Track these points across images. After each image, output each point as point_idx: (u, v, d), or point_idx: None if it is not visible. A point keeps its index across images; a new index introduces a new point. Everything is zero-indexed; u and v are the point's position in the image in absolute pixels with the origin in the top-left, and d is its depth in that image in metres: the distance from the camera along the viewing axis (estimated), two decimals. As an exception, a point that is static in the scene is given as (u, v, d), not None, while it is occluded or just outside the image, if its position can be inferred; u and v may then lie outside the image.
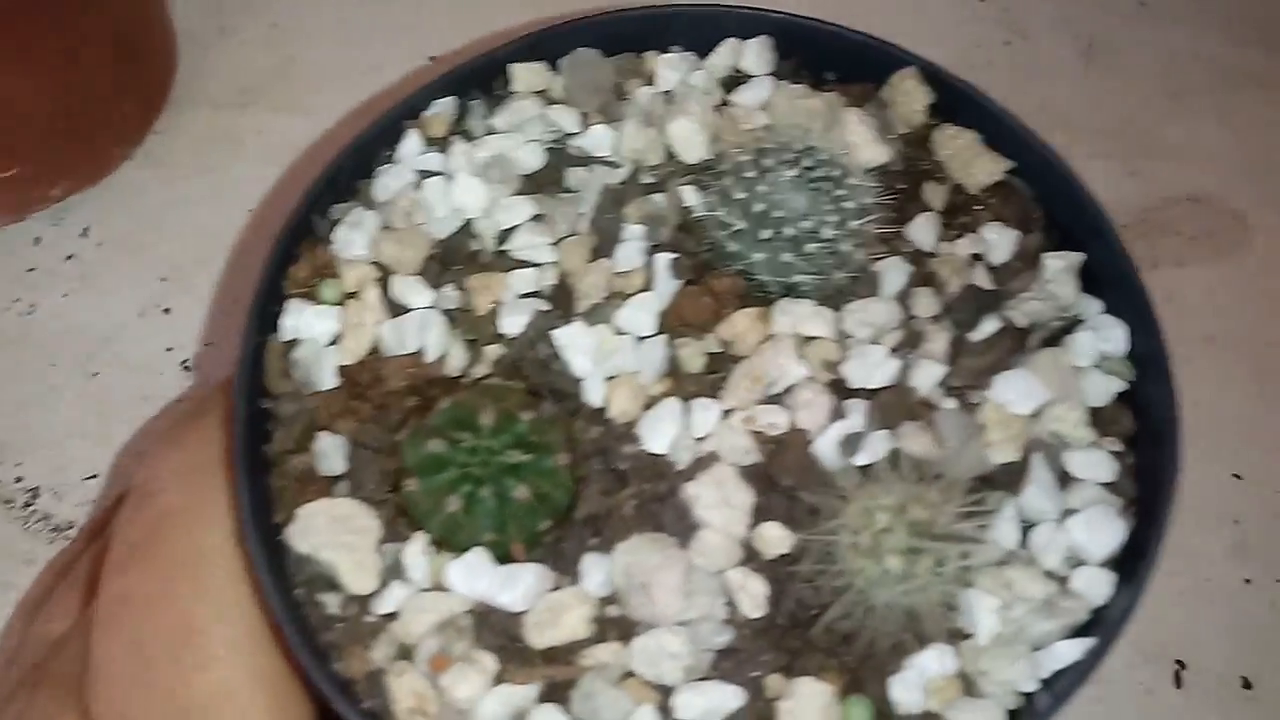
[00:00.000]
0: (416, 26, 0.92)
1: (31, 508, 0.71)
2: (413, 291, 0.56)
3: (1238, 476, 0.76)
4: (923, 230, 0.60)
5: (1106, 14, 1.00)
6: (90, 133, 0.79)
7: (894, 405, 0.53)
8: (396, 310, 0.56)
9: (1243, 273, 0.85)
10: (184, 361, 0.76)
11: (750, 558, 0.50)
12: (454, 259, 0.57)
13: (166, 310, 0.78)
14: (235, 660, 0.49)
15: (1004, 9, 1.00)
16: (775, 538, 0.50)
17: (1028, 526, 0.52)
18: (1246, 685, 0.70)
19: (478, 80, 0.63)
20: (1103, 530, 0.51)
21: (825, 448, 0.52)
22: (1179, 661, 0.70)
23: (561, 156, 0.61)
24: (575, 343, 0.54)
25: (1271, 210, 0.88)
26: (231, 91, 0.88)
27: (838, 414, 0.53)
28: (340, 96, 0.87)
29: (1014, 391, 0.54)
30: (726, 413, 0.53)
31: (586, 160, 0.61)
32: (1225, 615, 0.72)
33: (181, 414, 0.57)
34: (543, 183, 0.60)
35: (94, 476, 0.73)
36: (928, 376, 0.54)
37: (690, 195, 0.59)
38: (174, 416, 0.57)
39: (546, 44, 0.63)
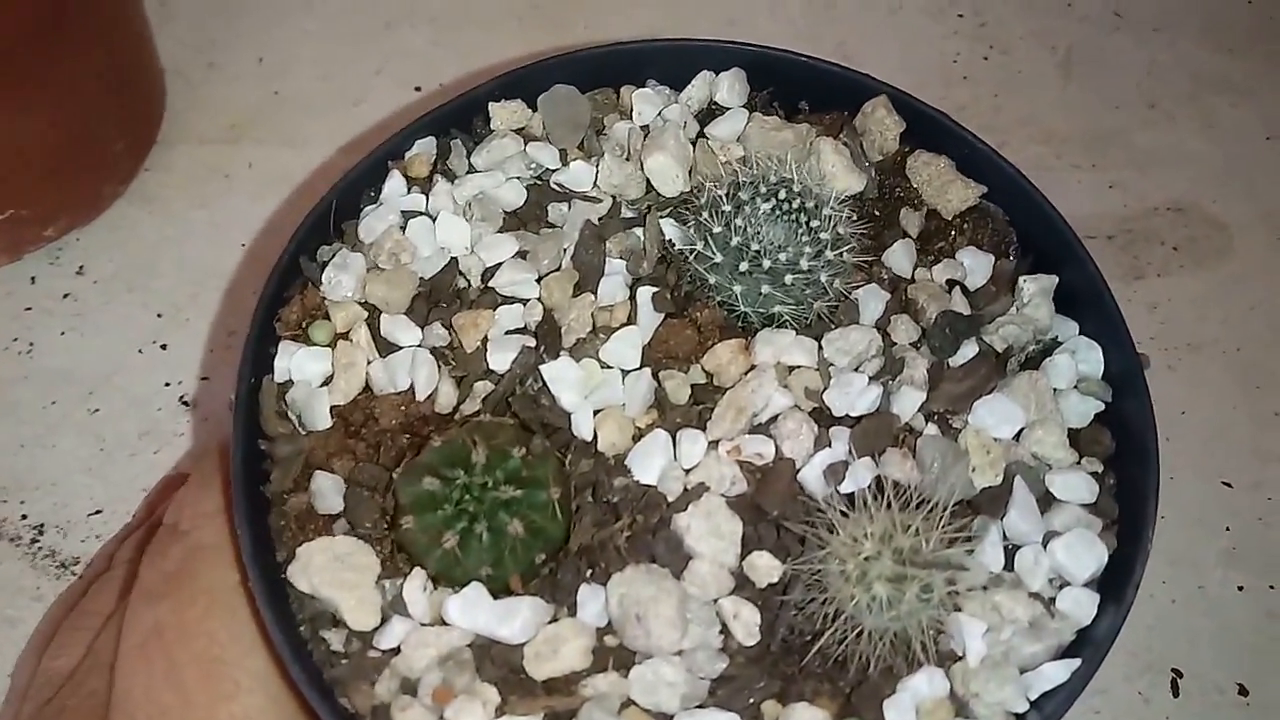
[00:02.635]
0: (401, 58, 0.94)
1: (38, 544, 0.72)
2: (402, 330, 0.57)
3: (1227, 484, 0.77)
4: (900, 257, 0.61)
5: (1083, 25, 1.01)
6: (83, 172, 0.80)
7: (877, 432, 0.55)
8: (387, 349, 0.57)
9: (1225, 280, 0.87)
10: (182, 397, 0.77)
11: (742, 586, 0.52)
12: (441, 296, 0.59)
13: (164, 346, 0.79)
14: (261, 691, 0.51)
15: (981, 24, 1.01)
16: (765, 567, 0.51)
17: (1012, 549, 0.53)
18: (1243, 692, 0.71)
19: (457, 120, 0.64)
20: (1085, 552, 0.52)
21: (811, 476, 0.53)
22: (1176, 670, 0.71)
23: (543, 192, 0.62)
24: (563, 377, 0.56)
25: (1252, 217, 0.90)
26: (220, 127, 0.89)
27: (822, 442, 0.54)
28: (327, 128, 0.89)
29: (994, 416, 0.55)
30: (713, 444, 0.54)
31: (567, 195, 0.62)
32: (1220, 623, 0.73)
33: (210, 458, 0.58)
34: (525, 219, 0.62)
35: (98, 512, 0.73)
36: (909, 403, 0.55)
37: (670, 228, 0.60)
38: (202, 460, 0.58)
39: (525, 82, 0.64)
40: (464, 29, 0.97)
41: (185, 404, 0.77)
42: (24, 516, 0.73)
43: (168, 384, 0.78)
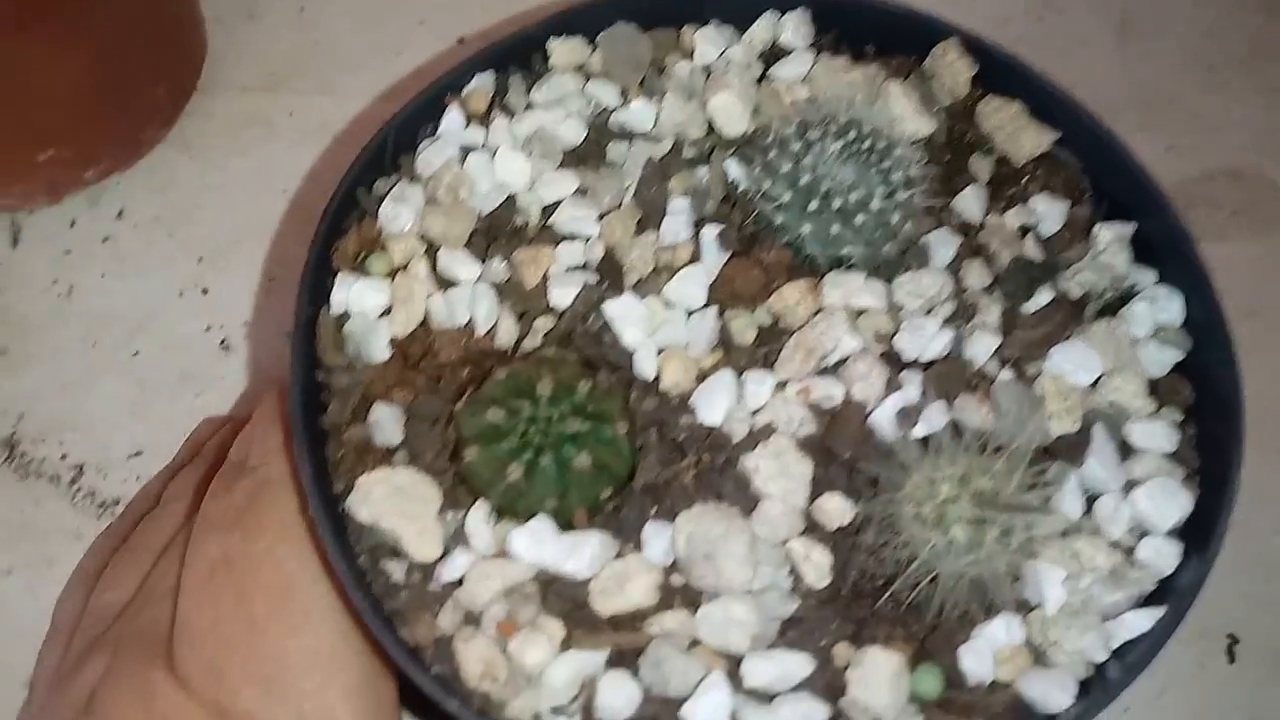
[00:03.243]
0: (444, 7, 0.92)
1: (77, 485, 0.71)
2: (460, 264, 0.55)
3: (1287, 450, 0.75)
4: (970, 202, 0.59)
5: (1140, -14, 0.99)
6: (124, 116, 0.79)
7: (950, 377, 0.53)
8: (445, 284, 0.55)
9: (1284, 246, 0.85)
10: (223, 341, 0.76)
11: (812, 529, 0.50)
12: (499, 233, 0.57)
13: (204, 291, 0.77)
14: (329, 623, 0.51)
15: (1037, -16, 0.99)
16: (836, 509, 0.50)
17: (1091, 497, 0.51)
18: (1299, 659, 0.69)
19: (516, 56, 0.62)
20: (1167, 500, 0.51)
21: (882, 420, 0.52)
22: (1231, 636, 0.69)
23: (602, 131, 0.61)
24: (626, 315, 0.54)
25: (1312, 182, 0.88)
26: (261, 75, 0.88)
27: (893, 385, 0.53)
28: (368, 78, 0.87)
29: (1071, 362, 0.54)
30: (780, 385, 0.53)
31: (628, 135, 0.61)
32: (1277, 589, 0.71)
33: (272, 396, 0.58)
34: (585, 157, 0.60)
35: (138, 454, 0.72)
36: (982, 348, 0.54)
37: (734, 168, 0.59)
38: (266, 398, 0.58)
39: (583, 19, 0.62)
40: (507, -20, 0.95)
41: (225, 348, 0.76)
42: (63, 457, 0.72)
43: (208, 328, 0.77)
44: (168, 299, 0.77)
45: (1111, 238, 0.58)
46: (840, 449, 0.51)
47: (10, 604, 0.67)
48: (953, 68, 0.62)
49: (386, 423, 0.51)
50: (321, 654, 0.50)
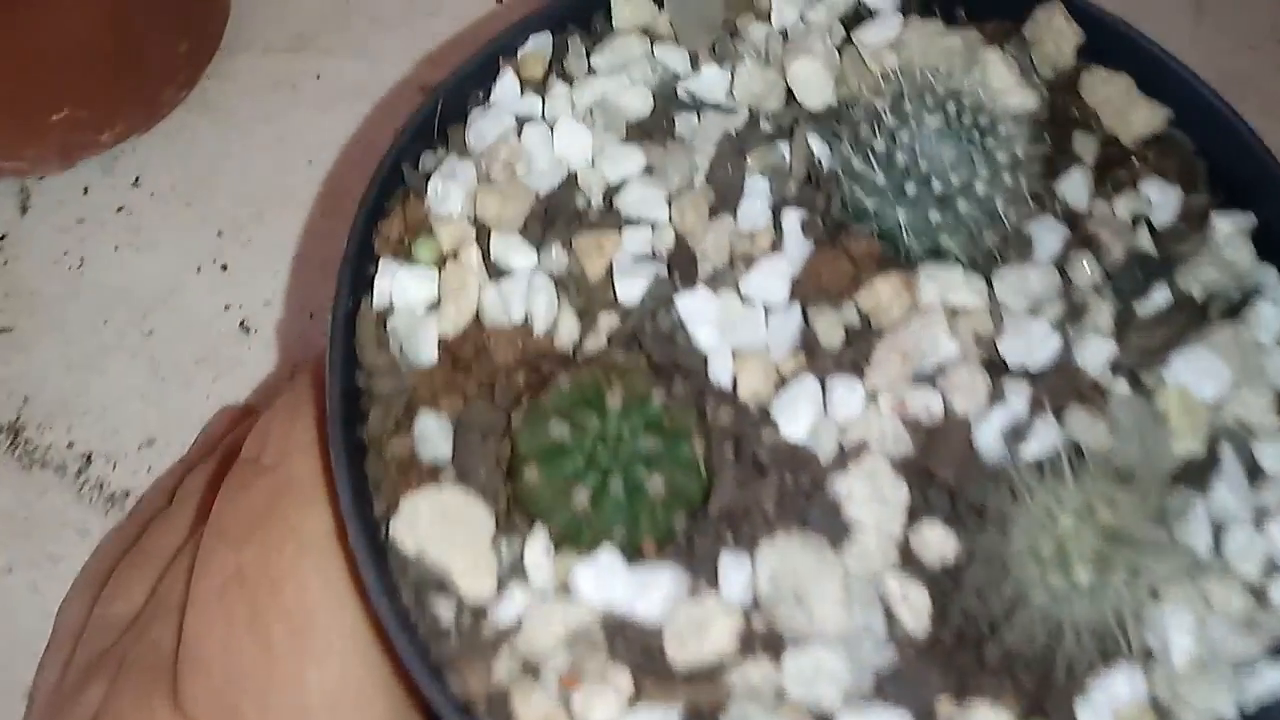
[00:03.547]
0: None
1: (84, 475, 0.66)
2: (516, 251, 0.50)
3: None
4: (1076, 187, 0.53)
5: (1217, -40, 0.93)
6: (142, 75, 0.73)
7: (1060, 388, 0.47)
8: (498, 273, 0.50)
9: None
10: (243, 322, 0.71)
11: (908, 562, 0.45)
12: (559, 216, 0.51)
13: (224, 267, 0.72)
14: (354, 655, 0.45)
15: (1110, -44, 0.92)
16: (937, 541, 0.44)
17: (1217, 528, 0.46)
18: None
19: (575, 15, 0.56)
20: (1308, 535, 0.45)
21: (986, 437, 0.46)
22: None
23: (671, 101, 0.55)
24: (700, 313, 0.48)
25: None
26: (286, 35, 0.82)
27: (997, 397, 0.47)
28: (399, 40, 0.82)
29: (1195, 372, 0.48)
30: (872, 395, 0.47)
31: (698, 105, 0.55)
32: None
33: (298, 385, 0.52)
34: (651, 130, 0.54)
35: (151, 443, 0.67)
36: (1096, 355, 0.48)
37: (817, 145, 0.53)
38: (289, 387, 0.52)
39: (650, -27, 0.56)
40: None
41: (246, 329, 0.71)
42: (70, 444, 0.67)
43: (227, 307, 0.71)
44: (185, 275, 0.72)
45: (1231, 230, 0.52)
46: (941, 471, 0.45)
47: (11, 604, 0.63)
48: (1059, 35, 0.56)
49: (433, 435, 0.46)
50: (347, 691, 0.45)
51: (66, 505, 0.65)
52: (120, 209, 0.74)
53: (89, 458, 0.67)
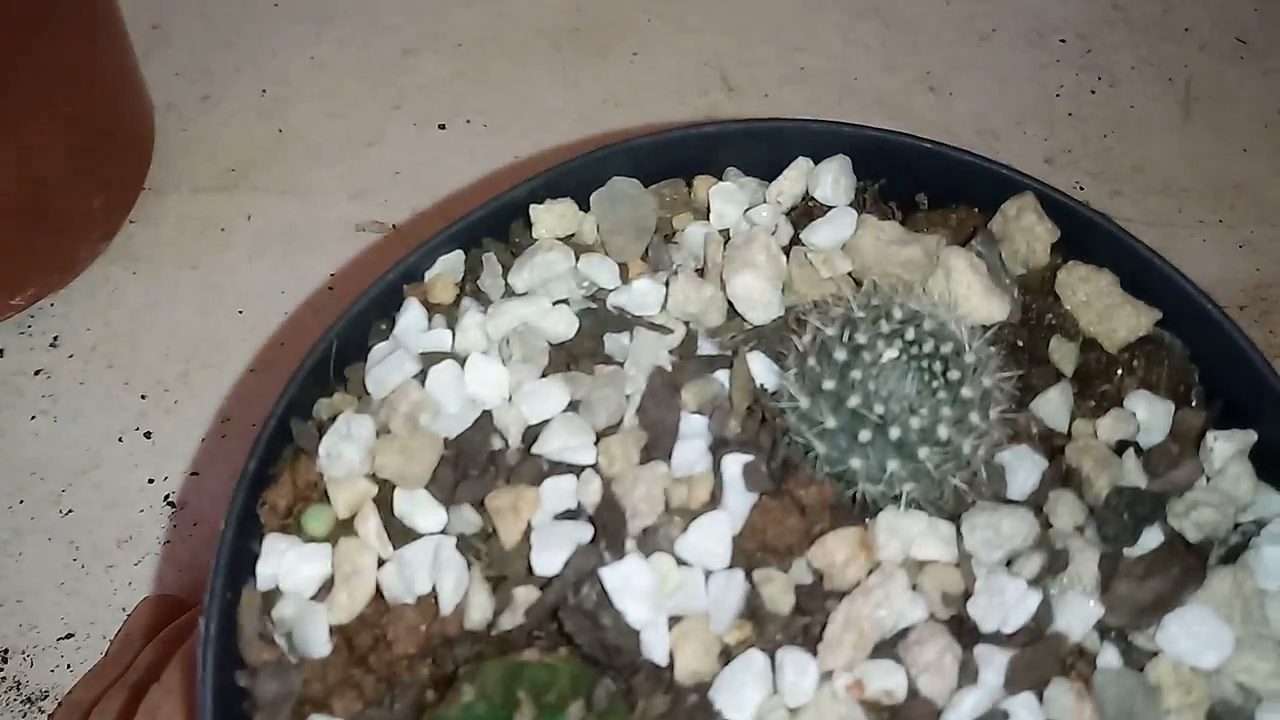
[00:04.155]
0: (421, 92, 0.82)
1: (1, 674, 0.61)
2: (422, 511, 0.44)
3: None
4: (1053, 407, 0.48)
5: (1202, 54, 0.88)
6: (55, 233, 0.69)
7: (1041, 659, 0.42)
8: (402, 536, 0.44)
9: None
10: (168, 496, 0.66)
11: None
12: (471, 462, 0.46)
13: (147, 434, 0.68)
14: None
15: (1087, 50, 0.88)
16: None
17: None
18: None
19: (491, 228, 0.51)
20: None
21: (958, 724, 0.40)
22: None
23: (598, 319, 0.50)
24: (629, 586, 0.42)
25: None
26: (216, 171, 0.78)
27: (969, 671, 0.41)
28: (337, 173, 0.78)
29: (1192, 636, 0.43)
30: (826, 674, 0.41)
31: (630, 322, 0.49)
32: None
33: (180, 664, 0.47)
34: (576, 354, 0.49)
35: (69, 636, 0.63)
36: (1079, 616, 0.43)
37: (762, 367, 0.47)
38: (173, 666, 0.46)
39: (573, 176, 0.51)
40: (493, 58, 0.85)
41: (171, 504, 0.66)
42: (-17, 641, 0.61)
43: (151, 480, 0.67)
44: (106, 445, 0.67)
45: (1229, 451, 0.47)
46: (907, 772, 0.40)
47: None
48: (1030, 232, 0.51)
49: (325, 753, 0.40)
50: None
51: (-20, 711, 0.60)
52: (38, 372, 0.69)
53: (5, 654, 0.62)
